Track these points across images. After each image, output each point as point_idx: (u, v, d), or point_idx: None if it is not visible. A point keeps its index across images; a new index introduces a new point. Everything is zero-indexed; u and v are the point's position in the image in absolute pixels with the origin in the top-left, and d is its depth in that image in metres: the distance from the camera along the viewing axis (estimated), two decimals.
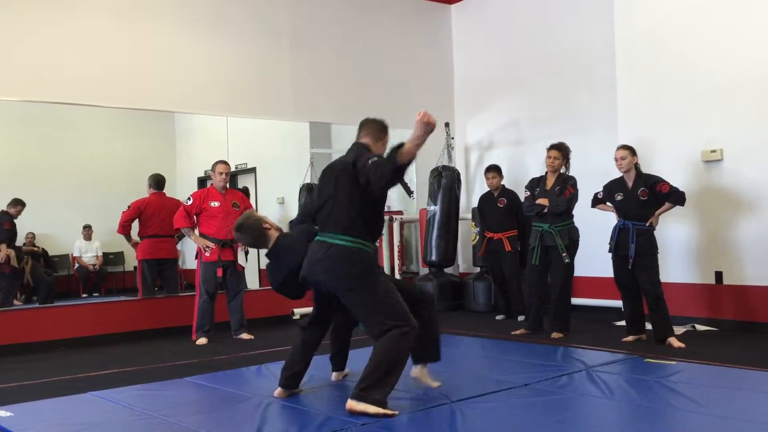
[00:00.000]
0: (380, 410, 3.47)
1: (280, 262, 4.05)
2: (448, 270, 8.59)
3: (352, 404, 3.51)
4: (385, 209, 9.80)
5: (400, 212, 8.97)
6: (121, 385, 4.53)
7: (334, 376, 4.40)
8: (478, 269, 8.33)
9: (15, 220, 7.27)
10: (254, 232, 4.05)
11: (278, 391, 4.02)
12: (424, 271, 8.68)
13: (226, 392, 4.09)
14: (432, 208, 8.07)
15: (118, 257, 8.65)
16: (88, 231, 8.47)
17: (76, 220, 8.43)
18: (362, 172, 3.58)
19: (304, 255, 3.84)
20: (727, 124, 6.18)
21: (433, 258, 8.01)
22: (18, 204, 7.23)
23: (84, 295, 8.41)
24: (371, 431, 3.30)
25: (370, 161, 3.56)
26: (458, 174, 8.23)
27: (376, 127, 3.96)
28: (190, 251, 7.44)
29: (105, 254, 8.60)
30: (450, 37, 9.44)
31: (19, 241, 7.69)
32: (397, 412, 3.51)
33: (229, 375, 4.76)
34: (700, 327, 6.26)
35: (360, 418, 3.49)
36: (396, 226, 8.60)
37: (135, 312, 6.94)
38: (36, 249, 7.96)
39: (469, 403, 3.71)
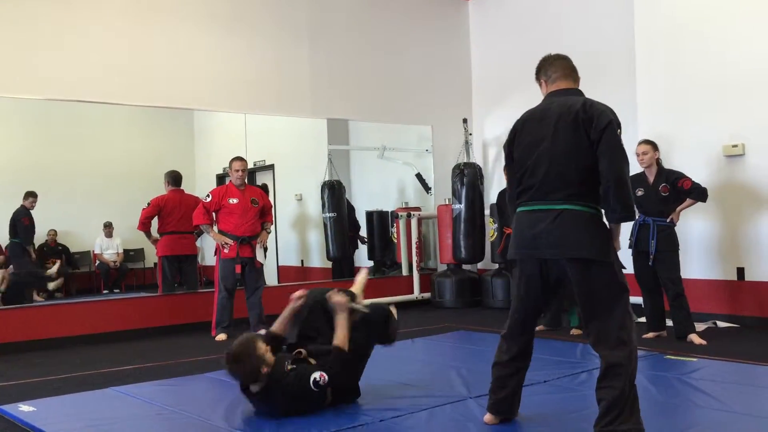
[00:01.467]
0: None
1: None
2: (467, 266, 8.58)
3: None
4: (403, 205, 9.63)
5: (417, 208, 8.96)
6: (142, 381, 4.58)
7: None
8: (496, 266, 8.31)
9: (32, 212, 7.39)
10: (247, 366, 3.44)
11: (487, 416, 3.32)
12: (442, 267, 8.68)
13: None
14: (457, 206, 8.12)
15: (138, 254, 8.73)
16: (108, 228, 8.55)
17: (97, 217, 8.51)
18: (599, 125, 2.85)
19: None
20: (749, 118, 6.10)
21: (463, 255, 8.17)
22: (30, 196, 7.34)
23: (105, 292, 8.49)
24: (392, 426, 3.30)
25: (619, 133, 2.84)
26: (480, 170, 8.20)
27: (569, 65, 3.15)
28: (209, 248, 7.48)
29: (125, 251, 8.68)
30: (467, 34, 9.40)
31: (41, 237, 7.80)
32: None
33: None
34: (721, 324, 6.19)
35: (382, 413, 3.50)
36: (414, 222, 8.60)
37: (155, 308, 6.99)
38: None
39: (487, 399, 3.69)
